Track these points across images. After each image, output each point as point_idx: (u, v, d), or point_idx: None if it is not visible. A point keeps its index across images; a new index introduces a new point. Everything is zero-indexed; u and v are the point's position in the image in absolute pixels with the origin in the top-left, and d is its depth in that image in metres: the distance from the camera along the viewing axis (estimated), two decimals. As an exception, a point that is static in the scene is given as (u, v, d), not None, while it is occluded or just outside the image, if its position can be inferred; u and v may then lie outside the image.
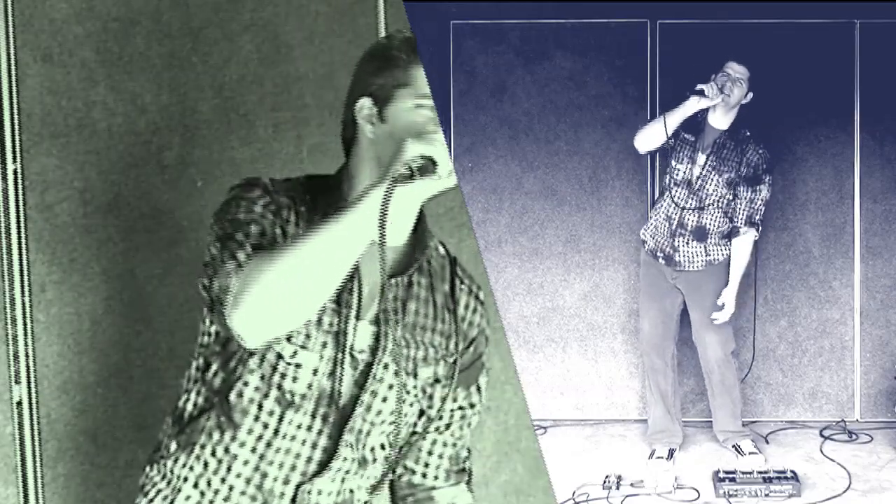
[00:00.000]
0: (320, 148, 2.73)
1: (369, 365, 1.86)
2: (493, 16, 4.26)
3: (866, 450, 4.03)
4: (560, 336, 4.36)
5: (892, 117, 4.16)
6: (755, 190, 3.87)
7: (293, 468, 1.87)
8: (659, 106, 4.22)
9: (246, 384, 1.85)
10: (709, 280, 3.93)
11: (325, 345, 1.83)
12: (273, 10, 2.71)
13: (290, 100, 2.73)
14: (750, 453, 3.92)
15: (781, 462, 3.89)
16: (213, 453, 1.88)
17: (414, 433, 1.99)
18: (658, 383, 4.02)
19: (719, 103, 3.76)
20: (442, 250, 1.98)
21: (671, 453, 3.95)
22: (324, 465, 1.87)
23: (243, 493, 1.88)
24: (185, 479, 1.91)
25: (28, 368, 2.53)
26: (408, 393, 1.90)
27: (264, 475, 1.87)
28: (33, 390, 2.53)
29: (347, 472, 1.91)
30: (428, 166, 1.66)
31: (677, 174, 3.88)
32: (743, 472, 3.73)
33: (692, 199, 3.88)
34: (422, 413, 1.96)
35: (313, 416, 1.85)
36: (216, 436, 1.88)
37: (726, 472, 3.73)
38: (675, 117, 3.76)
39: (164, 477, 1.94)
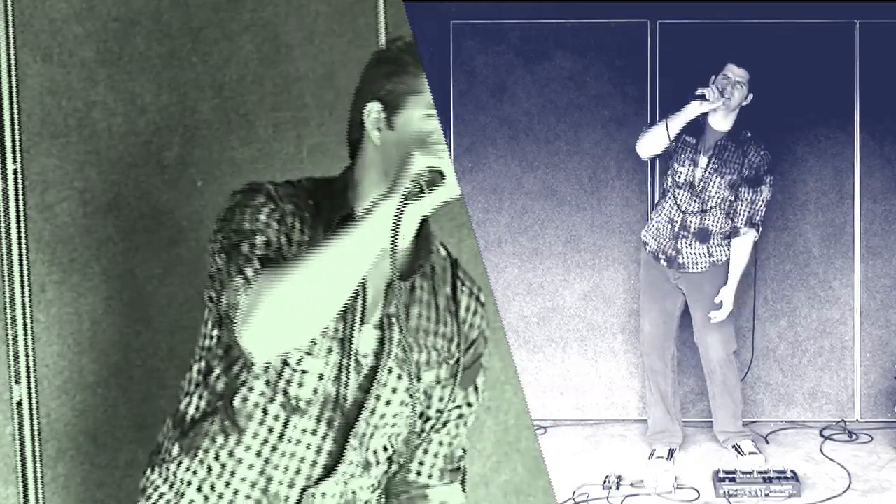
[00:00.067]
0: (320, 148, 2.73)
1: (373, 369, 1.86)
2: (493, 16, 4.26)
3: (866, 450, 4.03)
4: (560, 336, 4.36)
5: (892, 117, 4.17)
6: (756, 191, 3.87)
7: (298, 472, 1.87)
8: (659, 106, 4.22)
9: (251, 389, 1.84)
10: (711, 280, 3.94)
11: (330, 350, 1.83)
12: (273, 10, 2.71)
13: (290, 100, 2.73)
14: (750, 453, 3.92)
15: (781, 462, 3.89)
16: (218, 458, 1.88)
17: (412, 433, 1.99)
18: (658, 384, 4.02)
19: (720, 106, 3.76)
20: (443, 252, 1.97)
21: (671, 453, 3.95)
22: (329, 469, 1.87)
23: (248, 497, 1.88)
24: (189, 484, 1.90)
25: (28, 368, 2.53)
26: (411, 396, 1.91)
27: (269, 479, 1.87)
28: (33, 390, 2.53)
29: (352, 475, 1.91)
30: (436, 178, 1.66)
31: (679, 176, 3.88)
32: (743, 472, 3.73)
33: (695, 201, 3.88)
34: (421, 414, 1.96)
35: (318, 421, 1.85)
36: (220, 440, 1.87)
37: (726, 472, 3.73)
38: (677, 122, 3.76)
39: (166, 481, 1.93)
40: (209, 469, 1.88)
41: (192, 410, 1.92)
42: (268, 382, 1.84)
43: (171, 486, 1.92)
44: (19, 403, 2.52)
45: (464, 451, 2.07)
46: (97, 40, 2.54)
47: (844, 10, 4.14)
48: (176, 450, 1.92)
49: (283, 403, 1.84)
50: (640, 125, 4.05)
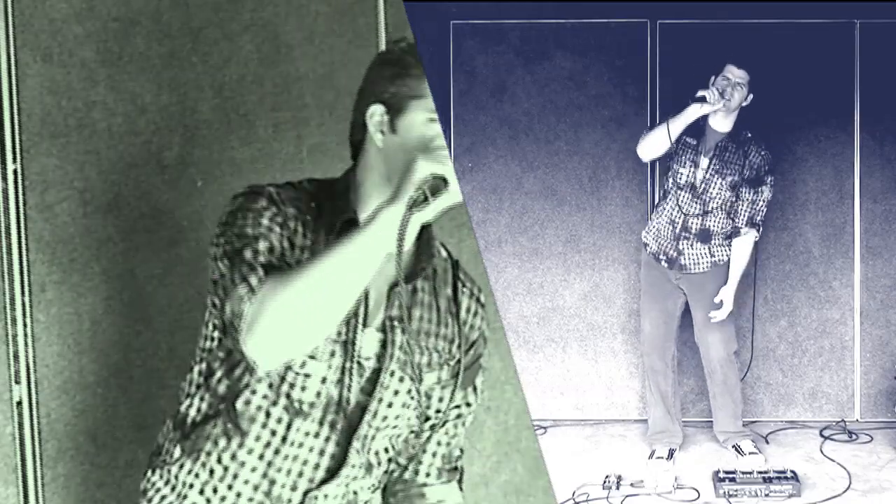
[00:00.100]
0: (320, 148, 2.73)
1: (376, 371, 1.86)
2: (493, 16, 4.26)
3: (866, 450, 4.03)
4: (560, 336, 4.36)
5: (892, 117, 4.16)
6: (757, 191, 3.87)
7: (301, 475, 1.87)
8: (659, 106, 4.22)
9: (254, 392, 1.84)
10: (713, 280, 3.93)
11: (333, 353, 1.83)
12: (273, 10, 2.71)
13: (290, 100, 2.73)
14: (750, 453, 3.92)
15: (781, 462, 3.89)
16: (220, 460, 1.88)
17: (412, 433, 1.99)
18: (658, 384, 4.02)
19: (720, 108, 3.76)
20: (444, 253, 1.97)
21: (671, 453, 3.95)
22: (332, 471, 1.87)
23: (251, 499, 1.87)
24: (191, 486, 1.90)
25: (28, 368, 2.53)
26: (412, 398, 1.91)
27: (272, 482, 1.87)
28: (33, 390, 2.53)
29: (354, 477, 1.91)
30: (439, 185, 1.65)
31: (680, 178, 3.88)
32: (743, 472, 3.72)
33: (696, 202, 3.88)
34: (421, 414, 1.96)
35: (321, 424, 1.85)
36: (223, 443, 1.87)
37: (726, 472, 3.73)
38: (678, 124, 3.75)
39: (167, 483, 1.93)
40: (211, 472, 1.88)
41: (193, 412, 1.92)
42: (270, 385, 1.84)
43: (173, 488, 1.92)
44: (19, 403, 2.52)
45: (461, 450, 2.07)
46: (97, 40, 2.54)
47: (844, 10, 4.14)
48: (177, 452, 1.92)
49: (286, 406, 1.84)
50: (640, 125, 4.05)
